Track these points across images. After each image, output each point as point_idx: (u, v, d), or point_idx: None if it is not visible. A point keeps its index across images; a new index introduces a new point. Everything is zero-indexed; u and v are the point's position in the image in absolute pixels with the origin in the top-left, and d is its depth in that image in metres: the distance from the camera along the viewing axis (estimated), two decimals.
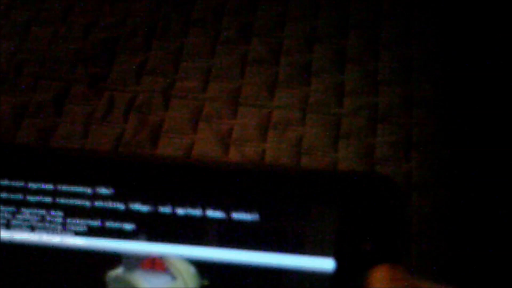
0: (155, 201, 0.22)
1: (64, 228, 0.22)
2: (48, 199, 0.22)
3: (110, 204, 0.22)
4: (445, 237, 0.77)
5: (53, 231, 0.22)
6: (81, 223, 0.22)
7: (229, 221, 0.22)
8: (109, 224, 0.22)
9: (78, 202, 0.22)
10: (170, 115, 0.88)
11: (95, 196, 0.22)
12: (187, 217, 0.22)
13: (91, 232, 0.22)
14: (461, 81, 0.90)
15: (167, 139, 0.86)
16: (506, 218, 0.77)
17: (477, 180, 0.81)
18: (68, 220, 0.22)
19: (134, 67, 0.93)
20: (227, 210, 0.22)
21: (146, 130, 0.87)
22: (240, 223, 0.22)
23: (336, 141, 0.85)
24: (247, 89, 0.91)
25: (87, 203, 0.22)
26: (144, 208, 0.22)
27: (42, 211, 0.22)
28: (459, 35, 0.95)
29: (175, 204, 0.22)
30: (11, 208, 0.22)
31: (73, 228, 0.22)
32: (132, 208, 0.22)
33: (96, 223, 0.22)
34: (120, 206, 0.22)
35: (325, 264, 0.22)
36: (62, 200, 0.22)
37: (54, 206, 0.22)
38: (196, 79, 0.92)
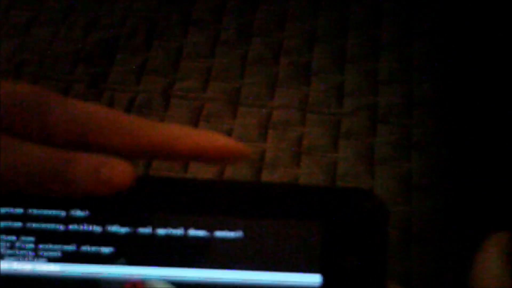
0: (134, 222, 0.21)
1: (36, 255, 0.21)
2: (18, 224, 0.21)
3: (85, 227, 0.21)
4: (445, 237, 0.77)
5: (24, 258, 0.21)
6: (54, 249, 0.21)
7: (212, 240, 0.22)
8: (85, 248, 0.21)
9: (51, 226, 0.21)
10: (170, 115, 0.88)
11: (69, 219, 0.21)
12: (168, 238, 0.21)
13: (66, 257, 0.21)
14: (461, 81, 0.90)
15: None
16: (506, 218, 0.77)
17: (477, 180, 0.81)
18: (41, 246, 0.21)
19: (134, 67, 0.93)
20: (210, 228, 0.22)
21: None
22: (224, 241, 0.22)
23: (336, 141, 0.85)
24: (247, 89, 0.90)
25: (61, 227, 0.21)
26: (122, 230, 0.21)
27: (12, 237, 0.21)
28: (459, 34, 0.95)
29: (155, 224, 0.21)
30: None
31: (46, 254, 0.21)
32: (110, 231, 0.21)
33: (71, 247, 0.21)
34: (97, 228, 0.21)
35: (312, 280, 0.22)
36: (34, 225, 0.21)
37: (25, 231, 0.21)
38: (196, 79, 0.92)
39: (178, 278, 0.21)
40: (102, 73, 0.93)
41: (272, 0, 1.00)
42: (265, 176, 0.82)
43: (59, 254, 0.21)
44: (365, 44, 0.95)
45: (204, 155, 0.22)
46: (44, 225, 0.21)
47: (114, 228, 0.21)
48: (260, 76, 0.92)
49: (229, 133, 0.86)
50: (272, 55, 0.94)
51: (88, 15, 0.99)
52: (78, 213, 0.21)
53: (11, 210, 0.21)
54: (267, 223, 0.22)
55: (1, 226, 0.21)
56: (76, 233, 0.21)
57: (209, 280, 0.22)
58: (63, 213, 0.21)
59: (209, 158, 0.22)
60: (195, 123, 0.87)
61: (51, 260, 0.21)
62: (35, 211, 0.21)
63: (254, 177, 0.82)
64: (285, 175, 0.82)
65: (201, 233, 0.22)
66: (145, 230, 0.21)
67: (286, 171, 0.82)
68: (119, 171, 0.20)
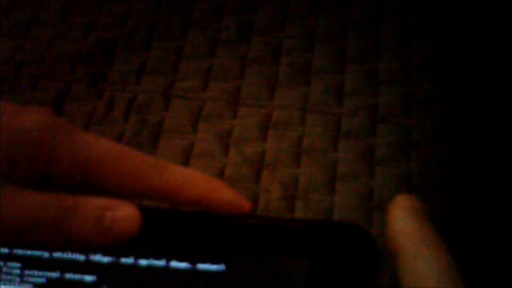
0: (117, 252, 0.22)
1: (22, 280, 0.21)
2: (5, 250, 0.21)
3: (69, 255, 0.21)
4: (445, 237, 0.77)
5: (10, 283, 0.21)
6: (39, 275, 0.21)
7: (194, 272, 0.21)
8: (69, 276, 0.21)
9: (36, 253, 0.21)
10: (170, 115, 0.88)
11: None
12: (150, 268, 0.21)
13: (50, 284, 0.21)
14: (461, 81, 0.90)
15: (167, 139, 0.86)
16: (506, 218, 0.77)
17: (477, 180, 0.81)
18: (26, 272, 0.21)
19: (134, 67, 0.93)
20: (192, 261, 0.22)
21: (146, 130, 0.87)
22: (206, 274, 0.21)
23: (336, 141, 0.85)
24: (247, 89, 0.90)
25: (46, 254, 0.21)
26: (105, 259, 0.21)
27: None
28: (459, 35, 0.95)
29: (137, 254, 0.22)
30: None
31: (31, 280, 0.21)
32: (93, 259, 0.21)
33: (55, 274, 0.21)
34: (80, 257, 0.21)
35: None
36: (20, 251, 0.21)
37: (11, 257, 0.21)
38: (196, 79, 0.92)
39: None
40: (102, 73, 0.93)
41: (272, 0, 1.00)
42: (265, 176, 0.82)
43: (43, 280, 0.21)
44: (365, 44, 0.95)
45: (207, 206, 0.22)
46: (29, 252, 0.21)
47: (97, 257, 0.22)
48: (260, 76, 0.92)
49: (229, 133, 0.86)
50: (272, 55, 0.94)
51: (88, 15, 0.99)
52: None
53: None
54: (251, 258, 0.22)
55: None
56: (60, 260, 0.21)
57: None
58: None
59: (213, 208, 0.22)
60: (195, 123, 0.87)
61: (36, 286, 0.21)
62: None
63: (254, 177, 0.82)
64: (285, 175, 0.82)
65: (183, 265, 0.21)
66: (128, 260, 0.21)
67: (286, 171, 0.82)
68: (125, 215, 0.19)
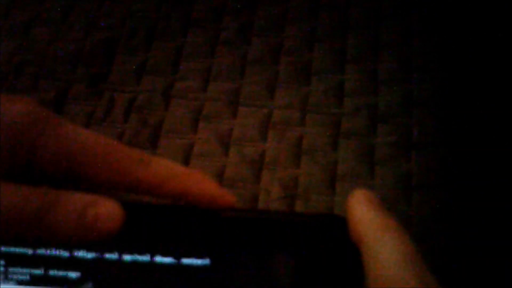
0: (101, 248, 0.22)
1: (6, 277, 0.21)
2: None
3: (53, 252, 0.21)
4: (445, 237, 0.77)
5: None
6: (23, 272, 0.21)
7: (179, 267, 0.21)
8: (53, 272, 0.21)
9: (19, 250, 0.21)
10: (170, 115, 0.88)
11: None
12: (134, 264, 0.21)
13: (35, 281, 0.21)
14: (461, 81, 0.90)
15: (167, 139, 0.86)
16: (506, 218, 0.77)
17: (477, 180, 0.81)
18: (10, 269, 0.21)
19: (134, 67, 0.93)
20: (176, 255, 0.22)
21: (146, 130, 0.87)
22: (190, 269, 0.21)
23: (336, 141, 0.85)
24: (247, 89, 0.90)
25: (29, 251, 0.21)
26: (89, 255, 0.21)
27: None
28: (459, 35, 0.95)
29: (121, 250, 0.22)
30: None
31: (15, 277, 0.21)
32: (77, 256, 0.21)
33: (39, 271, 0.21)
34: (64, 253, 0.21)
35: None
36: (3, 249, 0.21)
37: None
38: (196, 79, 0.92)
39: None
40: (102, 73, 0.93)
41: (272, 0, 1.00)
42: (265, 176, 0.82)
43: (27, 277, 0.21)
44: (365, 44, 0.95)
45: (191, 200, 0.22)
46: (13, 249, 0.21)
47: (81, 253, 0.21)
48: (260, 76, 0.92)
49: (229, 133, 0.86)
50: (272, 55, 0.94)
51: (88, 15, 0.99)
52: None
53: None
54: (235, 251, 0.22)
55: None
56: (44, 257, 0.21)
57: None
58: None
59: (196, 202, 0.22)
60: (195, 123, 0.87)
61: (20, 283, 0.21)
62: None
63: (254, 177, 0.82)
64: (285, 175, 0.82)
65: (167, 260, 0.22)
66: (112, 256, 0.21)
67: (286, 171, 0.82)
68: (107, 213, 0.19)
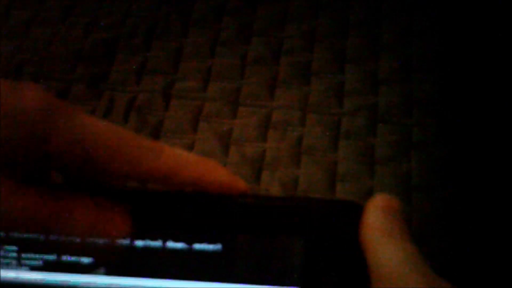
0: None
1: (19, 263, 0.22)
2: (1, 234, 0.21)
3: (65, 238, 0.22)
4: (445, 237, 0.77)
5: (7, 266, 0.21)
6: (36, 258, 0.22)
7: (191, 252, 0.22)
8: (66, 258, 0.22)
9: (32, 236, 0.21)
10: (170, 115, 0.88)
11: None
12: (146, 249, 0.22)
13: (47, 266, 0.22)
14: (461, 81, 0.90)
15: (167, 139, 0.86)
16: (506, 218, 0.77)
17: (477, 180, 0.81)
18: (23, 255, 0.22)
19: (134, 67, 0.93)
20: (188, 241, 0.22)
21: (146, 130, 0.87)
22: (202, 254, 0.22)
23: (336, 141, 0.85)
24: (247, 89, 0.90)
25: (42, 237, 0.21)
26: (101, 241, 0.22)
27: None
28: (459, 35, 0.95)
29: (133, 235, 0.22)
30: None
31: (28, 263, 0.22)
32: (89, 241, 0.22)
33: (52, 257, 0.22)
34: (77, 239, 0.22)
35: None
36: (16, 235, 0.21)
37: (8, 240, 0.21)
38: (196, 79, 0.92)
39: None
40: (102, 73, 0.93)
41: (272, 0, 1.00)
42: (265, 176, 0.82)
43: (40, 263, 0.21)
44: (365, 44, 0.95)
45: (203, 188, 0.22)
46: (26, 235, 0.21)
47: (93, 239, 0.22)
48: (260, 76, 0.92)
49: (229, 133, 0.86)
50: (272, 55, 0.94)
51: (88, 15, 0.99)
52: None
53: None
54: (247, 237, 0.22)
55: None
56: (56, 243, 0.21)
57: None
58: None
59: (208, 190, 0.22)
60: (195, 123, 0.87)
61: (33, 268, 0.21)
62: None
63: (254, 177, 0.82)
64: (285, 175, 0.82)
65: (179, 245, 0.22)
66: (123, 241, 0.22)
67: (286, 171, 0.82)
68: (115, 232, 0.20)
